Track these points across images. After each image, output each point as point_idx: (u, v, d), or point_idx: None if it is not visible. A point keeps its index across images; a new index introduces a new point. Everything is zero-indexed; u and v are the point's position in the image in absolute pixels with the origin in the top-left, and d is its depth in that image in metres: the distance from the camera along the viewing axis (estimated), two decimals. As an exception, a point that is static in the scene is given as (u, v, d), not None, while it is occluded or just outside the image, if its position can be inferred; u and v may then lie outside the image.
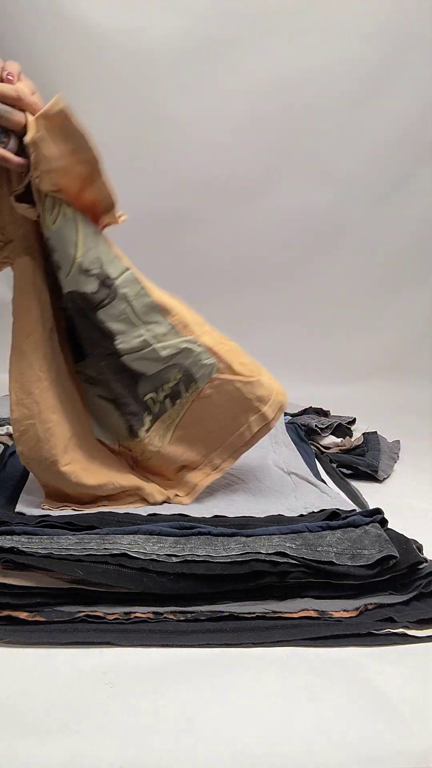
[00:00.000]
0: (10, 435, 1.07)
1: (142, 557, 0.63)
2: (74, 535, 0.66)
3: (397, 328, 1.93)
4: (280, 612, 0.62)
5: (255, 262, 1.84)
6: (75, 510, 0.78)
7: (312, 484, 0.92)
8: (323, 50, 1.66)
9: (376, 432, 1.24)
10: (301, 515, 0.79)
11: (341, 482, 1.00)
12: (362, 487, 0.99)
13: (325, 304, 1.90)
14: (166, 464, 0.85)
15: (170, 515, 0.77)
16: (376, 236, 1.85)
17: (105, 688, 0.53)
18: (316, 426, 1.22)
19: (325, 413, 1.32)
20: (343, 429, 1.26)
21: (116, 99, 1.64)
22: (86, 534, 0.67)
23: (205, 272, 1.82)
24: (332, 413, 1.34)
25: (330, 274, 1.88)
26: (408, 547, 0.68)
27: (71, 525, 0.70)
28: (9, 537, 0.64)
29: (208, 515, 0.78)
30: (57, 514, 0.74)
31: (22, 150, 0.66)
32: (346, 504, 0.85)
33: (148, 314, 0.78)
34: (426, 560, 0.67)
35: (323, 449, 1.17)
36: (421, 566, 0.67)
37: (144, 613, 0.61)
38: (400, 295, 1.91)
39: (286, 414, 1.27)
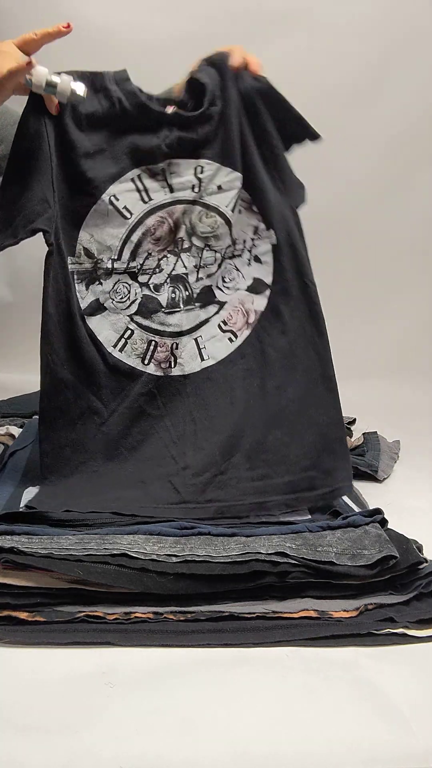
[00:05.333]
0: (10, 435, 1.07)
1: (142, 557, 0.63)
2: (74, 535, 0.66)
3: (397, 328, 1.92)
4: (280, 612, 0.62)
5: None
6: None
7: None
8: (323, 50, 1.66)
9: (376, 432, 1.24)
10: (301, 515, 0.79)
11: (341, 482, 1.00)
12: (362, 487, 0.99)
13: (325, 303, 1.89)
14: None
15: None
16: (376, 236, 1.85)
17: (105, 688, 0.53)
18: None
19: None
20: (343, 429, 1.26)
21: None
22: (86, 534, 0.67)
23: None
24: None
25: (329, 274, 1.87)
26: (408, 547, 0.68)
27: (71, 522, 0.70)
28: (9, 537, 0.64)
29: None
30: (58, 517, 0.74)
31: None
32: (346, 504, 0.85)
33: None
34: (426, 560, 0.67)
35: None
36: (421, 566, 0.67)
37: (144, 613, 0.61)
38: (400, 295, 1.91)
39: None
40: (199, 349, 0.87)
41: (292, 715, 0.51)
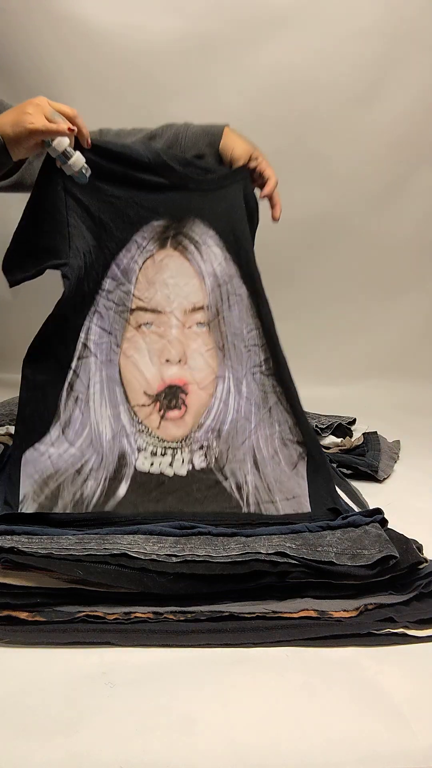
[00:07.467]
0: (10, 435, 1.07)
1: (142, 557, 0.63)
2: (74, 535, 0.66)
3: (397, 329, 1.93)
4: (280, 612, 0.62)
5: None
6: None
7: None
8: (323, 50, 1.66)
9: (376, 432, 1.24)
10: (301, 515, 0.79)
11: (341, 482, 1.00)
12: (362, 487, 0.99)
13: (325, 304, 1.89)
14: None
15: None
16: (376, 236, 1.85)
17: (105, 688, 0.53)
18: (316, 426, 1.21)
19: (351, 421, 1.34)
20: (343, 429, 1.26)
21: (115, 98, 1.64)
22: (86, 534, 0.67)
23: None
24: (332, 413, 1.34)
25: (330, 274, 1.88)
26: (408, 547, 0.68)
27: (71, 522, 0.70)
28: (9, 537, 0.64)
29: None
30: (58, 518, 0.74)
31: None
32: (345, 504, 0.85)
33: None
34: (426, 560, 0.67)
35: (323, 449, 1.17)
36: (421, 566, 0.67)
37: (144, 613, 0.61)
38: (400, 295, 1.91)
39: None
40: None
41: (291, 714, 0.51)
